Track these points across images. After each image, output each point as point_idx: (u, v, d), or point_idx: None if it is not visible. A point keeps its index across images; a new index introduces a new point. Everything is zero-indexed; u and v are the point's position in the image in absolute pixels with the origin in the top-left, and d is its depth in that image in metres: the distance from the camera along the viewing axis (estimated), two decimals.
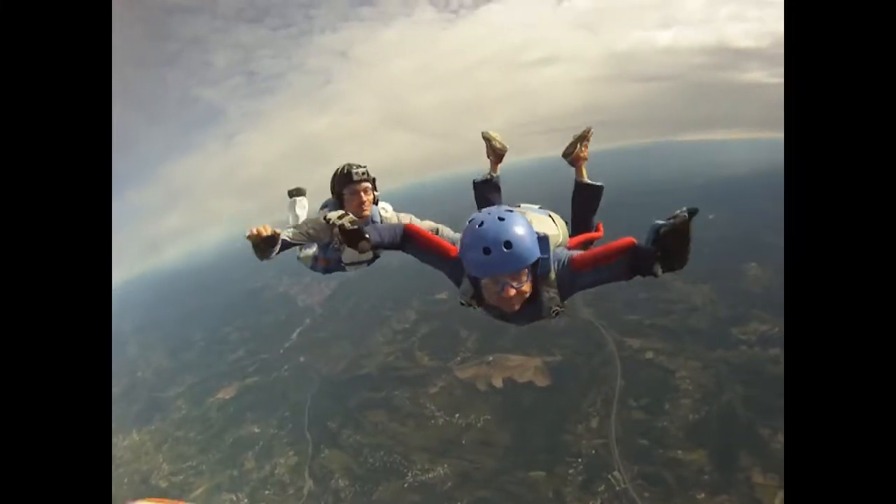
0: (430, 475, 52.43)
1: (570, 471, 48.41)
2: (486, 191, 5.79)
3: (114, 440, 65.94)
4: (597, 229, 5.47)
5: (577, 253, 3.80)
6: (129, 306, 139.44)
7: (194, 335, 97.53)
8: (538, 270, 3.43)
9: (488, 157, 5.85)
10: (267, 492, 55.64)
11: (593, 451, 49.91)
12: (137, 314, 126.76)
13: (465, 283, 3.83)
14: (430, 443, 55.86)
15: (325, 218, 3.99)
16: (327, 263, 5.65)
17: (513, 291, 3.31)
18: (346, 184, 5.17)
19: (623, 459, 48.50)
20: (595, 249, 3.74)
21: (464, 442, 54.86)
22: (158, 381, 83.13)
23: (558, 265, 3.65)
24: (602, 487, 46.49)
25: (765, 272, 71.19)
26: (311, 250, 5.60)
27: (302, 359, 78.09)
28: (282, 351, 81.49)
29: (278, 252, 4.61)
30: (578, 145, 5.43)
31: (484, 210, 3.45)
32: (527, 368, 62.20)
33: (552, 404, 56.37)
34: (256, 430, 65.05)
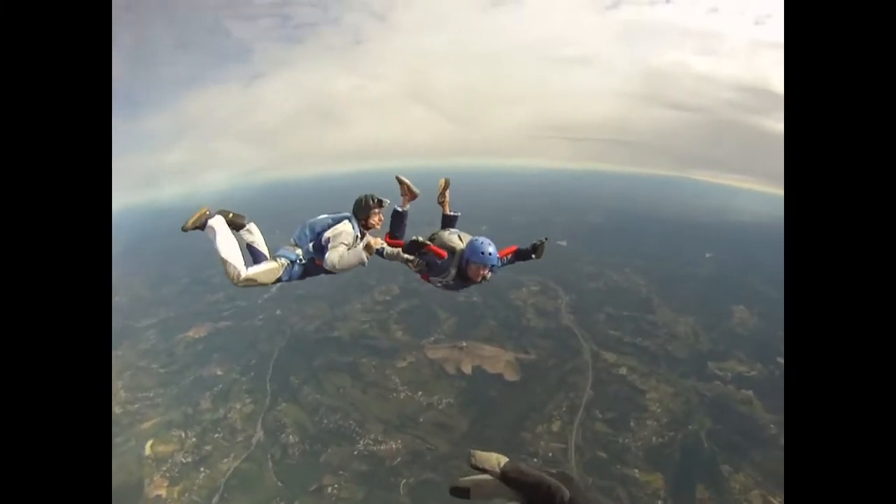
0: (381, 447, 52.08)
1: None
2: (398, 220, 7.93)
3: None
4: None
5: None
6: (119, 233, 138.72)
7: (178, 272, 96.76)
8: (493, 267, 7.18)
9: (403, 195, 7.80)
10: (216, 434, 55.05)
11: (550, 454, 49.64)
12: (126, 242, 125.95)
13: (453, 270, 7.32)
14: (388, 415, 55.48)
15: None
16: (319, 266, 7.26)
17: (486, 273, 7.14)
18: (377, 206, 7.30)
19: (579, 468, 48.15)
20: (504, 251, 7.57)
21: (421, 420, 54.51)
22: (133, 310, 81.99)
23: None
24: None
25: (751, 317, 71.90)
26: (272, 264, 6.93)
27: (278, 312, 77.75)
28: (260, 301, 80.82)
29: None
30: (444, 193, 8.35)
31: (479, 238, 7.25)
32: (499, 360, 62.05)
33: (517, 400, 56.15)
34: (219, 373, 64.51)
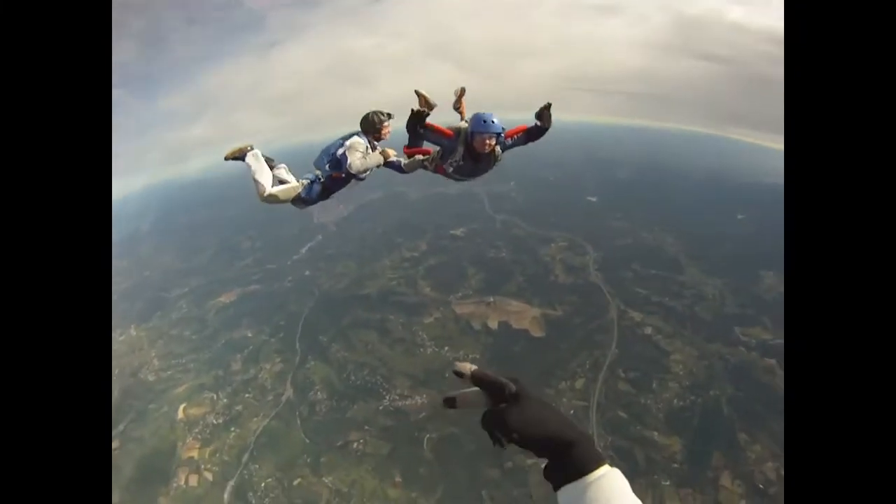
0: (406, 402, 52.91)
1: None
2: (418, 123, 7.68)
3: (112, 336, 67.58)
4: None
5: (507, 130, 7.41)
6: (148, 210, 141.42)
7: (208, 242, 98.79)
8: (498, 138, 7.31)
9: (421, 106, 7.74)
10: (247, 395, 56.57)
11: (572, 412, 49.53)
12: (155, 218, 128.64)
13: (461, 148, 7.51)
14: (415, 370, 56.21)
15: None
16: (338, 178, 8.04)
17: (491, 143, 7.27)
18: (386, 119, 7.95)
19: (599, 427, 48.42)
20: (513, 129, 7.51)
21: (447, 376, 54.41)
22: (165, 282, 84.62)
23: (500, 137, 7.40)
24: None
25: (780, 283, 70.01)
26: (290, 184, 8.00)
27: (307, 272, 78.89)
28: (289, 263, 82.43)
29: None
30: (460, 100, 8.23)
31: (483, 112, 7.26)
32: (525, 316, 62.08)
33: (542, 356, 56.26)
34: (249, 335, 65.97)
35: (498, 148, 7.50)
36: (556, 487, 1.79)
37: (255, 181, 7.71)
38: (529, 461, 44.04)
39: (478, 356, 56.84)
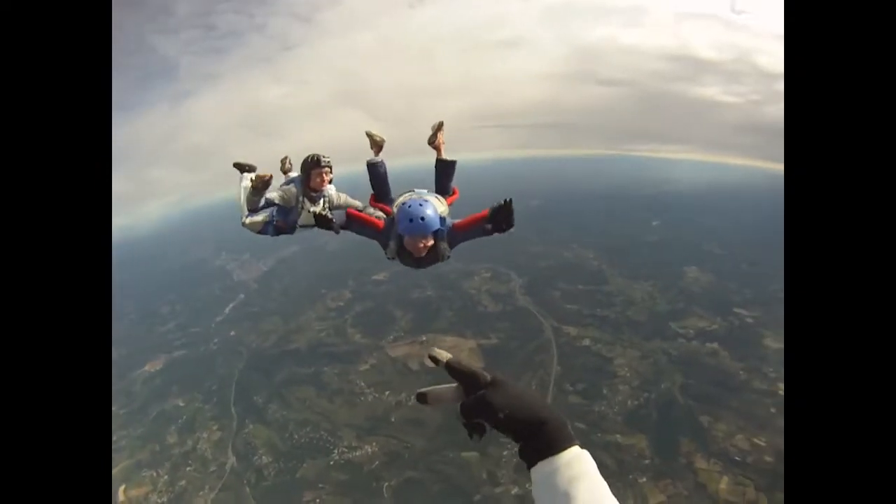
0: (356, 453, 50.79)
1: (505, 452, 47.23)
2: (375, 174, 7.26)
3: None
4: (453, 193, 7.12)
5: (457, 221, 6.04)
6: None
7: (125, 308, 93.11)
8: (438, 234, 5.83)
9: (372, 148, 7.36)
10: (188, 468, 52.60)
11: None
12: None
13: (392, 244, 6.03)
14: (359, 420, 54.31)
15: (310, 210, 6.68)
16: (284, 226, 7.32)
17: (423, 245, 5.72)
18: (314, 167, 7.01)
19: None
20: (466, 218, 5.98)
21: (393, 420, 53.47)
22: None
23: (447, 229, 5.94)
24: None
25: (704, 275, 73.77)
26: (262, 217, 7.26)
27: (232, 333, 75.63)
28: (213, 325, 78.82)
29: (261, 205, 7.08)
30: (437, 135, 7.02)
31: (410, 199, 5.82)
32: (461, 349, 61.46)
33: None
34: (181, 404, 61.89)
35: (443, 245, 5.95)
36: (530, 465, 1.86)
37: (241, 204, 7.40)
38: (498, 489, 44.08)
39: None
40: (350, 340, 68.33)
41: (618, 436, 48.41)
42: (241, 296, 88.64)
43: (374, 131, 7.30)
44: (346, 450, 51.26)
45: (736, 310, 65.09)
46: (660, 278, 74.60)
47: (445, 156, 7.08)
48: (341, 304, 78.40)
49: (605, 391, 53.59)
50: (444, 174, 7.10)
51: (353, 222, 6.34)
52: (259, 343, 71.70)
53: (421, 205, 5.58)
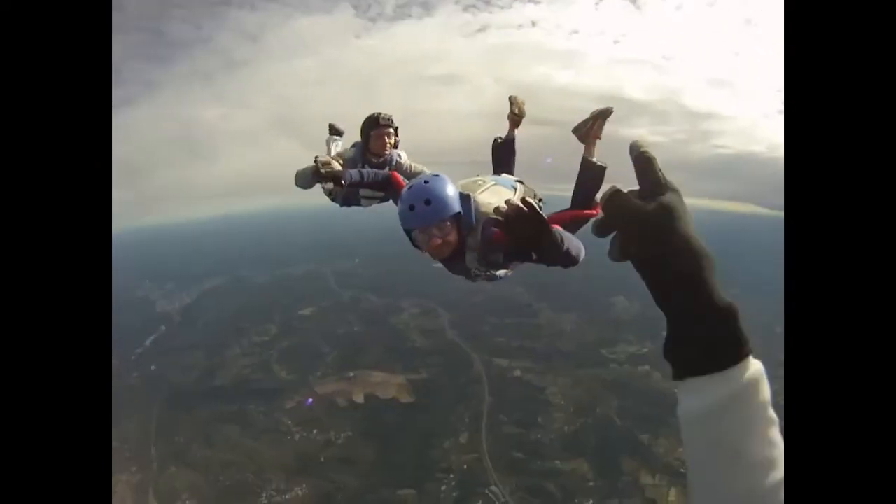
0: (286, 496, 48.80)
1: (443, 487, 47.09)
2: (503, 151, 6.02)
3: None
4: (594, 207, 5.23)
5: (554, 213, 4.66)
6: None
7: None
8: (462, 226, 3.88)
9: (508, 118, 6.13)
10: None
11: (465, 466, 49.14)
12: None
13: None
14: (286, 460, 52.29)
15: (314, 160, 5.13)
16: (350, 196, 6.14)
17: (438, 241, 3.78)
18: (373, 127, 5.91)
19: (498, 473, 48.04)
20: (565, 212, 4.74)
21: (323, 459, 51.85)
22: None
23: (482, 233, 3.94)
24: (480, 503, 45.69)
25: (632, 304, 75.67)
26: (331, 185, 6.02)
27: (153, 367, 71.94)
28: (133, 357, 74.23)
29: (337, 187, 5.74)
30: (593, 123, 5.30)
31: (416, 181, 3.89)
32: (390, 385, 61.02)
33: (418, 420, 55.25)
34: None
35: (472, 240, 3.98)
36: (687, 375, 1.24)
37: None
38: None
39: (350, 433, 54.59)
40: (276, 377, 66.56)
41: (557, 462, 48.65)
42: (163, 328, 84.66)
43: (519, 100, 6.16)
44: (274, 493, 49.20)
45: (664, 333, 66.74)
46: (588, 310, 76.28)
47: (595, 157, 5.42)
48: (266, 339, 76.52)
49: (539, 419, 53.89)
50: (585, 183, 5.46)
51: (392, 186, 5.05)
52: (181, 378, 68.45)
53: (427, 182, 3.78)
